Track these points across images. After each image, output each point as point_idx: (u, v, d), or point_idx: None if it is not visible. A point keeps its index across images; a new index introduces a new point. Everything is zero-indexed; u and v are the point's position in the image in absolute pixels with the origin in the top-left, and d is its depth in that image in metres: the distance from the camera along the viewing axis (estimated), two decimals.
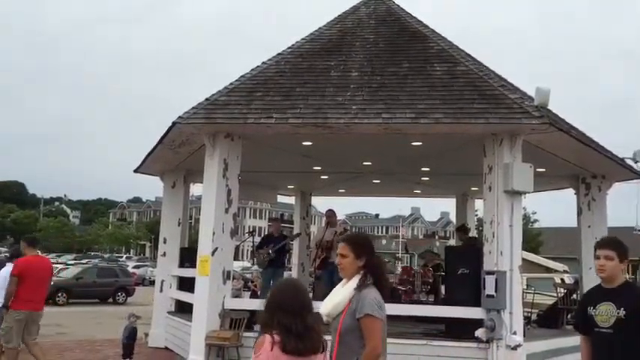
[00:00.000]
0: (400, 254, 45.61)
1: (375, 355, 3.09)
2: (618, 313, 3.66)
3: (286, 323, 2.63)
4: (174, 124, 8.11)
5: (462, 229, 12.28)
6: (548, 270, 20.92)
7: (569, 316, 10.76)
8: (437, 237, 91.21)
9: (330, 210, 10.99)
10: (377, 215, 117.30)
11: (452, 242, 43.08)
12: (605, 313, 3.73)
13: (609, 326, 3.69)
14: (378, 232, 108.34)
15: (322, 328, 2.85)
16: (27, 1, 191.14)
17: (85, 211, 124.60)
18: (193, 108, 8.14)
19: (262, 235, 12.42)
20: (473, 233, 14.03)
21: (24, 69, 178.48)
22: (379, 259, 3.40)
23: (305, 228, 14.69)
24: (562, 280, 16.92)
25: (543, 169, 9.47)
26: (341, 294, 3.25)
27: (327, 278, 10.34)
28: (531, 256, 22.56)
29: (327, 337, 2.92)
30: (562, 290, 11.24)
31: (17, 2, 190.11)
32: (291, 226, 15.74)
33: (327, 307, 3.30)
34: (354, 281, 3.24)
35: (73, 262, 38.18)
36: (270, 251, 11.05)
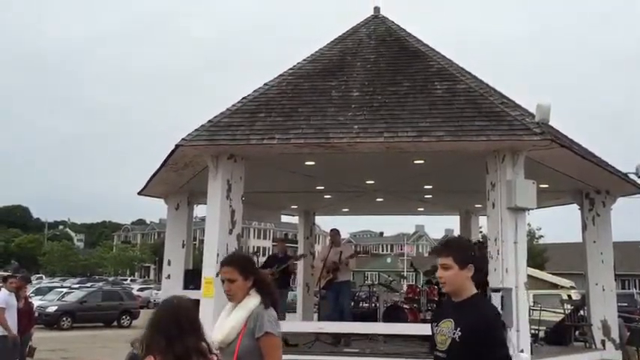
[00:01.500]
0: (405, 272, 45.37)
1: None
2: (454, 333, 2.95)
3: (164, 345, 2.55)
4: (177, 146, 8.16)
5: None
6: (555, 286, 20.79)
7: (577, 332, 10.68)
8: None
9: (334, 229, 10.98)
10: (381, 233, 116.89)
11: None
12: (445, 333, 3.02)
13: (444, 349, 2.99)
14: (382, 250, 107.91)
15: (207, 349, 2.75)
16: (26, 20, 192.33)
17: (89, 234, 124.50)
18: (196, 130, 8.20)
19: (267, 256, 12.39)
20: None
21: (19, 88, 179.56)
22: (264, 274, 3.42)
23: (309, 248, 14.67)
24: (569, 296, 16.83)
25: (546, 185, 9.47)
26: (236, 316, 3.17)
27: (332, 298, 10.30)
28: (537, 273, 22.44)
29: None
30: (569, 307, 11.17)
31: (15, 19, 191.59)
32: (296, 245, 15.70)
33: (222, 332, 3.21)
34: (248, 301, 3.17)
35: (77, 285, 38.10)
36: (274, 271, 11.03)
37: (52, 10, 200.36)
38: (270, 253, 12.62)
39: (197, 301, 3.00)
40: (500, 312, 2.79)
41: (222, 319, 3.28)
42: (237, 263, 3.28)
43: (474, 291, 3.05)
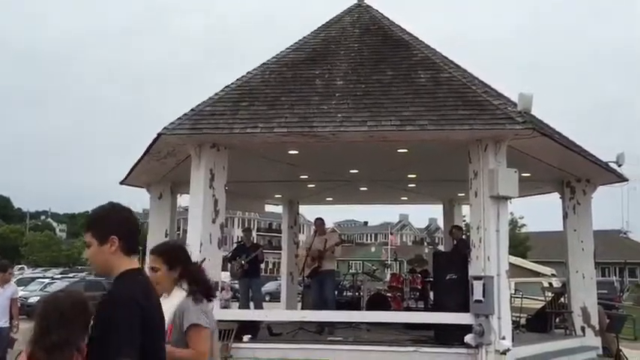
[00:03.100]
0: (389, 261, 45.64)
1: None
2: None
3: (37, 336, 2.52)
4: (159, 135, 8.09)
5: (459, 228, 12.26)
6: (536, 274, 21.04)
7: (557, 319, 10.83)
8: (426, 243, 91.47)
9: (318, 218, 10.97)
10: (366, 223, 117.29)
11: (441, 248, 43.18)
12: None
13: None
14: (366, 240, 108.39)
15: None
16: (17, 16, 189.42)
17: (72, 225, 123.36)
18: (179, 119, 8.13)
19: (234, 246, 12.34)
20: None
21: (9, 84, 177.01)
22: (196, 265, 3.24)
23: (293, 237, 14.67)
24: (550, 284, 17.05)
25: (528, 174, 9.54)
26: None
27: (316, 287, 10.32)
28: (519, 261, 22.71)
29: None
30: (550, 294, 11.30)
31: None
32: (280, 235, 15.70)
33: None
34: (173, 296, 3.09)
35: (60, 276, 37.78)
36: (243, 262, 11.03)
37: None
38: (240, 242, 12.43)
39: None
40: (133, 292, 2.33)
41: None
42: (163, 252, 3.15)
43: (125, 268, 2.48)
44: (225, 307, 15.63)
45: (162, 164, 9.79)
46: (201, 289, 3.08)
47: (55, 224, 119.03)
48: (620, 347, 10.14)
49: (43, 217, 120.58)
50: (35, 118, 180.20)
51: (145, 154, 9.19)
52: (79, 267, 66.21)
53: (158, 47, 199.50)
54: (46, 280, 27.32)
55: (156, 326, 2.47)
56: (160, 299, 3.03)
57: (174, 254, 3.15)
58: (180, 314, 3.02)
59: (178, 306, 3.04)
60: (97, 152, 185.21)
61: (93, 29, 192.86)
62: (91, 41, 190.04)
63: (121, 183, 11.60)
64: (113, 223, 2.49)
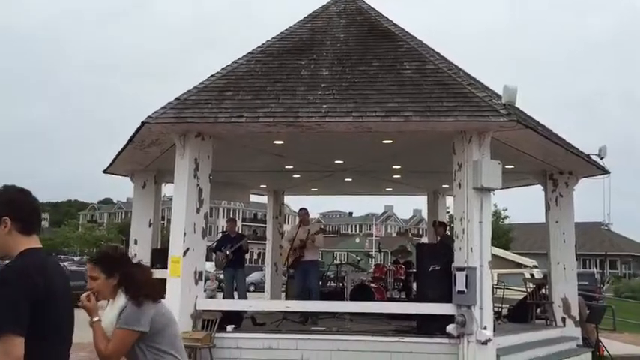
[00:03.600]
0: (374, 252, 45.82)
1: (103, 355, 3.01)
2: None
3: None
4: (143, 123, 8.02)
5: (442, 224, 12.36)
6: (518, 265, 21.25)
7: (538, 310, 10.97)
8: (410, 234, 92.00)
9: (302, 209, 10.98)
10: (350, 214, 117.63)
11: (425, 239, 43.46)
12: None
13: None
14: (351, 231, 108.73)
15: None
16: None
17: (54, 213, 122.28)
18: (163, 107, 8.06)
19: (218, 236, 12.28)
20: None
21: None
22: (137, 267, 3.20)
23: (278, 227, 14.67)
24: (532, 275, 17.25)
25: (512, 166, 9.63)
26: (109, 317, 3.10)
27: (300, 277, 10.34)
28: (502, 252, 22.90)
29: None
30: (531, 285, 11.44)
31: None
32: (265, 225, 15.68)
33: None
34: (118, 301, 3.09)
35: None
36: (227, 252, 11.01)
37: None
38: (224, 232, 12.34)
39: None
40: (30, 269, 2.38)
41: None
42: (100, 260, 3.14)
43: (24, 247, 2.51)
44: (211, 296, 15.64)
45: (147, 153, 9.72)
46: (143, 291, 3.03)
47: None
48: (600, 337, 10.31)
49: None
50: (13, 102, 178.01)
51: (128, 142, 9.12)
52: (62, 256, 65.76)
53: (140, 33, 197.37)
54: None
55: (58, 297, 2.51)
56: (106, 305, 3.11)
57: (111, 261, 3.12)
58: (119, 317, 3.02)
59: (121, 309, 3.03)
60: (79, 140, 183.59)
61: (72, 13, 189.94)
62: (70, 25, 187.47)
63: (105, 172, 11.51)
64: (3, 204, 2.52)
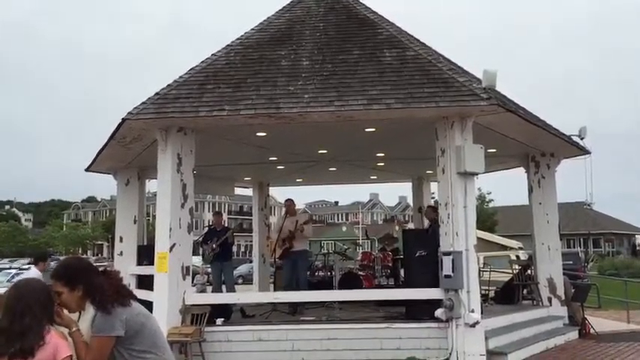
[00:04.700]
0: (360, 240, 46.00)
1: None
2: None
3: (5, 325, 2.70)
4: (123, 120, 7.94)
5: (434, 209, 12.30)
6: (504, 248, 21.46)
7: (524, 291, 11.09)
8: (396, 221, 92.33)
9: (288, 199, 10.98)
10: (336, 203, 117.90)
11: (411, 225, 43.65)
12: None
13: None
14: (338, 219, 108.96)
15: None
16: None
17: (38, 214, 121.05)
18: (143, 103, 7.99)
19: (204, 230, 12.24)
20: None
21: None
22: (102, 275, 3.12)
23: (264, 219, 14.66)
24: (517, 256, 17.42)
25: (494, 150, 9.69)
26: (82, 329, 3.05)
27: (288, 268, 10.35)
28: (487, 235, 23.09)
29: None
30: (517, 267, 11.56)
31: None
32: (251, 217, 15.64)
33: None
34: (88, 312, 3.06)
35: (27, 266, 37.09)
36: (214, 245, 10.99)
37: None
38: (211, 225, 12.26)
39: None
40: None
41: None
42: (61, 275, 3.06)
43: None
44: (202, 291, 15.62)
45: (128, 150, 9.64)
46: (110, 299, 2.99)
47: (20, 214, 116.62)
48: (585, 315, 10.46)
49: (7, 207, 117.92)
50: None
51: (109, 139, 9.03)
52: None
53: (118, 27, 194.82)
54: (14, 271, 26.80)
55: None
56: (79, 317, 3.06)
57: (72, 274, 3.06)
58: (92, 327, 3.00)
59: (93, 319, 3.00)
60: (58, 139, 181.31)
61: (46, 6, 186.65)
62: (45, 18, 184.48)
63: (87, 170, 11.40)
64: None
